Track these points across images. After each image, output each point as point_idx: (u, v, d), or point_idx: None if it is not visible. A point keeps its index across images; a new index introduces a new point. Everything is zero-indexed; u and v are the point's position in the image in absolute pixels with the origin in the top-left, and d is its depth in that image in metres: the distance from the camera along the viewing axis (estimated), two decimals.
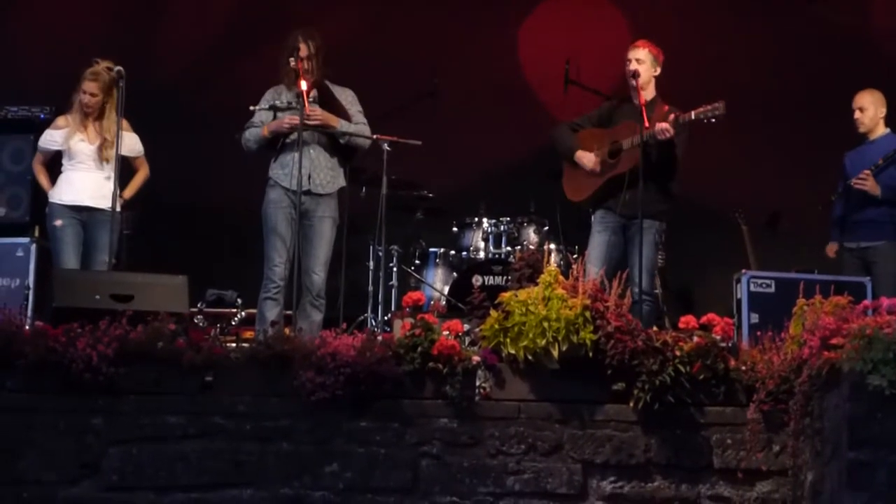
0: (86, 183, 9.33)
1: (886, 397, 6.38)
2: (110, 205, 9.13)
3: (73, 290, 7.93)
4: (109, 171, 9.31)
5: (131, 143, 9.50)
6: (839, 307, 7.27)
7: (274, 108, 9.13)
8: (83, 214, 9.34)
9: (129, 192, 9.58)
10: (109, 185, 9.23)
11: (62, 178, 9.47)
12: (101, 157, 9.33)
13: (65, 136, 9.44)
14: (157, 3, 12.66)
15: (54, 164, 9.58)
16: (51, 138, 9.53)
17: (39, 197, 10.13)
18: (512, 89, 12.58)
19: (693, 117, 8.94)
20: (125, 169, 9.49)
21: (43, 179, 9.61)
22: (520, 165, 11.83)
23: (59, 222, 9.31)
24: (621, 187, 9.02)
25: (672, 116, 8.97)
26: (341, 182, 9.24)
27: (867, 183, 9.74)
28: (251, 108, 9.19)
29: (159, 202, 9.84)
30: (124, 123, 9.42)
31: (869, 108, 9.85)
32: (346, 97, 9.30)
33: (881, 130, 9.90)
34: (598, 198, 9.27)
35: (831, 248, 10.08)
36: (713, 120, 8.87)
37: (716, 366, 7.40)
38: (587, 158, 9.27)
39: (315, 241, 9.03)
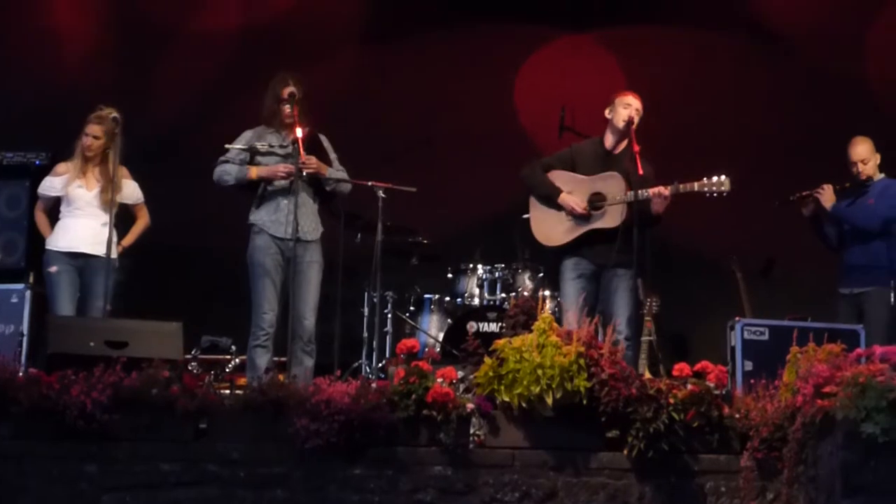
0: (83, 230, 9.33)
1: (880, 445, 6.39)
2: (108, 252, 9.17)
3: (68, 337, 7.93)
4: (107, 217, 9.34)
5: (130, 191, 9.54)
6: (833, 355, 7.28)
7: (253, 150, 9.13)
8: (79, 261, 9.33)
9: (129, 239, 9.60)
10: (107, 232, 9.28)
11: (59, 225, 9.48)
12: (101, 202, 9.33)
13: (64, 183, 9.46)
14: (152, 49, 12.68)
15: (57, 210, 9.59)
16: (50, 185, 9.54)
17: (35, 243, 10.12)
18: (507, 135, 12.59)
19: (696, 189, 8.88)
20: (125, 216, 9.53)
21: (43, 227, 9.59)
22: (514, 212, 11.80)
23: (54, 269, 9.30)
24: (598, 237, 8.96)
25: (673, 183, 8.87)
26: (321, 227, 9.26)
27: (823, 194, 9.98)
28: (226, 146, 9.19)
29: (153, 248, 9.82)
30: (123, 171, 9.48)
31: (870, 158, 9.99)
32: (323, 143, 9.31)
33: (877, 176, 10.02)
34: (573, 246, 9.13)
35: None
36: (716, 196, 8.84)
37: (710, 413, 7.40)
38: (574, 203, 9.08)
39: (304, 287, 9.01)
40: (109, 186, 9.31)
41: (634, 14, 12.64)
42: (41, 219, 9.63)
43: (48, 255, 9.39)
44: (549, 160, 9.38)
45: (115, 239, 9.37)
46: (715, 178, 8.84)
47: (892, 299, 9.71)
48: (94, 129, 9.42)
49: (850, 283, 9.90)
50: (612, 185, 9.01)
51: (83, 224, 9.35)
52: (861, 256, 9.87)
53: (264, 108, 9.22)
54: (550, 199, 9.22)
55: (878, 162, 10.02)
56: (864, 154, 9.99)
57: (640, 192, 8.82)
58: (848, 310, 9.86)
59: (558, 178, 9.24)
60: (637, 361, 8.95)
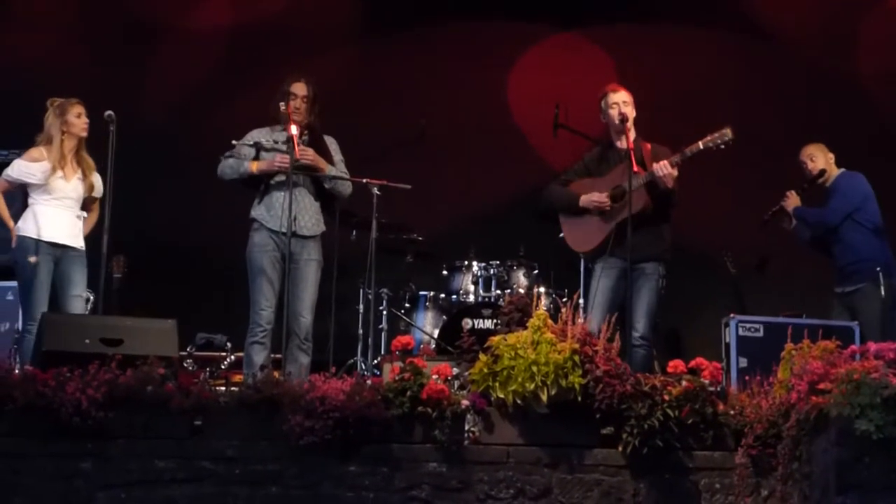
0: (64, 220, 9.10)
1: (874, 442, 6.40)
2: (82, 244, 9.16)
3: (63, 334, 7.90)
4: (79, 209, 9.20)
5: (99, 185, 9.31)
6: (827, 352, 7.29)
7: (258, 147, 9.11)
8: (57, 251, 9.05)
9: (85, 232, 9.32)
10: (80, 224, 9.19)
11: (37, 213, 9.10)
12: (79, 194, 9.18)
13: (43, 171, 9.11)
14: (146, 46, 12.68)
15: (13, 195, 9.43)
16: (28, 171, 9.15)
17: None
18: (501, 133, 12.62)
19: (701, 147, 8.75)
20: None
21: (4, 211, 9.26)
22: (509, 209, 11.85)
23: (34, 259, 8.96)
24: (626, 232, 8.79)
25: (679, 151, 8.77)
26: (323, 226, 9.25)
27: (788, 200, 10.21)
28: (233, 142, 9.15)
29: (149, 245, 9.83)
30: (91, 162, 9.30)
31: (818, 155, 10.17)
32: (331, 145, 9.31)
33: (835, 172, 10.15)
34: (604, 246, 8.95)
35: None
36: (722, 147, 8.72)
37: (704, 410, 7.42)
38: (595, 197, 8.99)
39: (301, 285, 8.99)
40: (88, 175, 9.20)
41: (627, 11, 12.64)
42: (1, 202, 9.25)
43: (25, 242, 9.03)
44: (565, 175, 9.33)
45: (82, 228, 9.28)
46: (717, 133, 8.75)
47: (882, 292, 9.74)
48: (83, 112, 9.24)
49: (842, 282, 9.94)
50: (625, 175, 8.88)
51: (62, 215, 9.11)
52: (845, 255, 9.91)
53: (271, 106, 9.21)
54: (571, 207, 9.14)
55: (832, 160, 10.16)
56: (808, 151, 10.21)
57: (645, 173, 8.78)
58: (841, 308, 9.88)
59: (578, 187, 9.18)
60: (647, 359, 8.78)
